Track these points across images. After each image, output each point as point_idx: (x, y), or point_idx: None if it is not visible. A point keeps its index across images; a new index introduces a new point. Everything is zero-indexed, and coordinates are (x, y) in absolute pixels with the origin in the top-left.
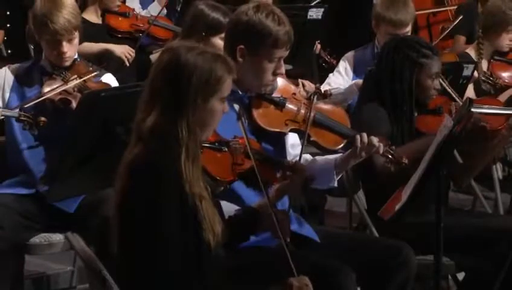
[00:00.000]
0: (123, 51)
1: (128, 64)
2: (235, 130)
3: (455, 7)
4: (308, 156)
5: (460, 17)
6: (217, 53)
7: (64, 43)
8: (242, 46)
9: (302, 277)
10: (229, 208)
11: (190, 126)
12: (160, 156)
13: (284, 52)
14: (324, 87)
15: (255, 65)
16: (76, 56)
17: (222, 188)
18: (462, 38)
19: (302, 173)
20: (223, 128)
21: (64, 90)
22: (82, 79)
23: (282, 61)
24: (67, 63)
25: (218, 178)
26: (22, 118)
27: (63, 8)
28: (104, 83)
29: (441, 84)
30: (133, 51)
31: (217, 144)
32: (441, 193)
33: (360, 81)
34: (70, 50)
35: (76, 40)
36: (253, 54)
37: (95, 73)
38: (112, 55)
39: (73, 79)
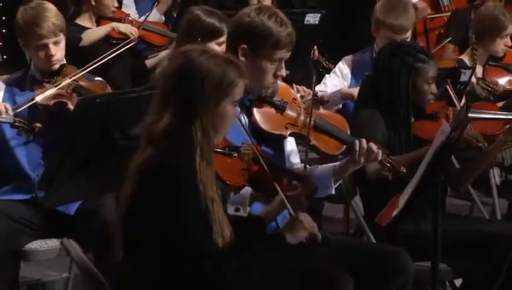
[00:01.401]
0: (128, 28)
1: (135, 41)
2: (243, 137)
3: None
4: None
5: (449, 38)
6: (229, 57)
7: (51, 46)
8: (244, 46)
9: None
10: None
11: (204, 128)
12: (175, 156)
13: (285, 54)
14: (320, 88)
15: (256, 66)
16: (64, 61)
17: (232, 193)
18: (451, 47)
19: (309, 183)
20: (232, 135)
21: (58, 94)
22: (72, 78)
23: (283, 63)
24: (56, 66)
25: (228, 182)
26: (17, 124)
27: (46, 12)
28: (98, 80)
29: (446, 89)
30: (136, 30)
31: (227, 149)
32: (438, 198)
33: (345, 89)
34: (58, 53)
35: (63, 43)
36: (255, 55)
37: (84, 72)
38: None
39: (63, 81)
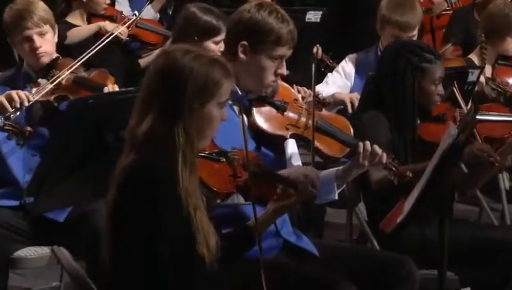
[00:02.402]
0: (116, 28)
1: (124, 40)
2: (233, 141)
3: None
4: None
5: (453, 41)
6: (214, 57)
7: (36, 37)
8: (244, 42)
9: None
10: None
11: (187, 132)
12: (156, 162)
13: (286, 51)
14: (321, 87)
15: (257, 63)
16: (58, 55)
17: (219, 200)
18: (451, 47)
19: (305, 191)
20: (221, 139)
21: (57, 88)
22: (70, 70)
23: (284, 62)
24: (44, 59)
25: (215, 189)
26: (6, 128)
27: (31, 6)
28: (100, 70)
29: (452, 91)
30: (126, 30)
31: (214, 154)
32: (445, 204)
33: (338, 94)
34: (45, 45)
35: (49, 35)
36: (255, 51)
37: (82, 61)
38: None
39: (60, 74)
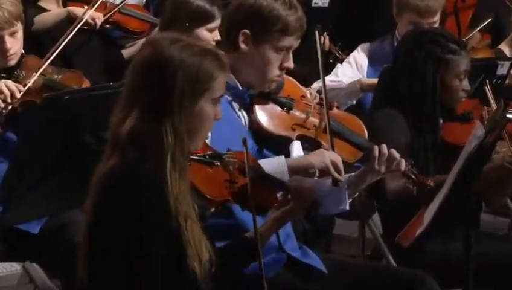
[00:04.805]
0: (90, 15)
1: (98, 27)
2: (230, 143)
3: None
4: None
5: (489, 19)
6: (207, 46)
7: (7, 38)
8: (246, 31)
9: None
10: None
11: (176, 131)
12: (142, 165)
13: (293, 42)
14: (330, 78)
15: (260, 55)
16: (22, 52)
17: (213, 209)
18: (478, 34)
19: (305, 200)
20: (216, 140)
21: (24, 93)
22: (39, 72)
23: (290, 54)
24: (13, 62)
25: (208, 196)
26: None
27: None
28: (70, 70)
29: (480, 84)
30: (101, 16)
31: (207, 157)
32: (470, 214)
33: (366, 79)
34: (15, 45)
35: (20, 34)
36: (258, 41)
37: (50, 59)
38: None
39: (28, 77)
